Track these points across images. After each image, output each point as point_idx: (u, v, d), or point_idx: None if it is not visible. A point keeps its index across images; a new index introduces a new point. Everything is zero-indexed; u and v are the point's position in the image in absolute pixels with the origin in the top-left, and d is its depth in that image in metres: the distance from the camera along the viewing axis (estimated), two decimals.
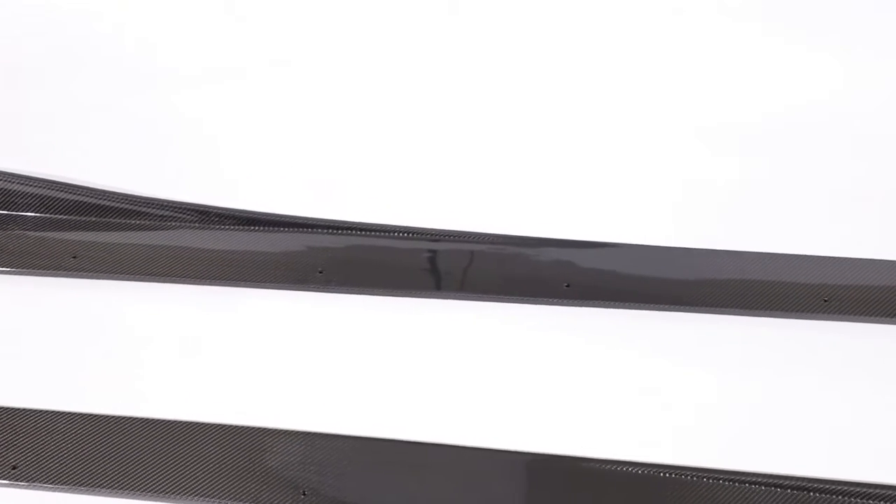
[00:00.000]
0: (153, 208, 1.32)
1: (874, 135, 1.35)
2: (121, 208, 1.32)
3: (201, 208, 1.31)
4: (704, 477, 1.04)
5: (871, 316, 1.17)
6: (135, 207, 1.32)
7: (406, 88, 1.43)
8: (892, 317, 1.16)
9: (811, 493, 1.02)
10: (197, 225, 1.31)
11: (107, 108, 1.44)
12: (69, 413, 1.12)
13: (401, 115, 1.41)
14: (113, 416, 1.11)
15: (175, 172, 1.37)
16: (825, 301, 1.19)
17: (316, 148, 1.39)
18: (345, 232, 1.28)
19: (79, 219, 1.32)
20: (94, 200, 1.32)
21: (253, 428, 1.10)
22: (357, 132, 1.41)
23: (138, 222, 1.31)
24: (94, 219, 1.32)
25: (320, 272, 1.25)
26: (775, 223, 1.28)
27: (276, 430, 1.10)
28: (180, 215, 1.31)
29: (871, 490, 1.01)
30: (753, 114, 1.38)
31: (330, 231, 1.29)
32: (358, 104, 1.43)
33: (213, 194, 1.32)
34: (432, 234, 1.27)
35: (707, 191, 1.31)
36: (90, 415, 1.11)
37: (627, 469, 1.05)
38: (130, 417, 1.11)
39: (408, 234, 1.28)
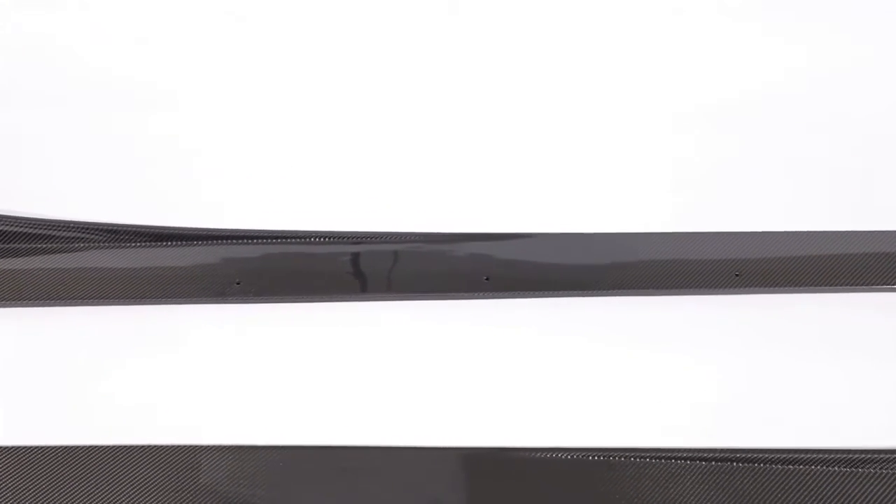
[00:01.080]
0: (58, 230, 1.28)
1: (776, 111, 1.39)
2: (23, 232, 1.28)
3: (109, 227, 1.28)
4: (632, 457, 1.06)
5: (780, 286, 1.20)
6: (38, 231, 1.28)
7: (306, 90, 1.41)
8: (800, 286, 1.20)
9: (735, 464, 1.04)
10: (106, 244, 1.27)
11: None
12: None
13: (311, 118, 1.40)
14: (30, 447, 1.08)
15: (84, 191, 1.33)
16: (737, 275, 1.22)
17: (226, 156, 1.37)
18: (260, 241, 1.27)
19: None
20: None
21: (179, 446, 1.08)
22: (266, 138, 1.39)
23: (43, 246, 1.28)
24: None
25: (237, 283, 1.23)
26: (685, 202, 1.30)
27: (203, 446, 1.08)
28: (87, 236, 1.28)
29: (791, 455, 1.05)
30: (662, 97, 1.41)
31: (244, 241, 1.27)
32: (266, 109, 1.41)
33: (127, 211, 1.29)
34: (348, 237, 1.27)
35: (617, 175, 1.33)
36: (4, 447, 1.08)
37: (556, 455, 1.06)
38: (47, 446, 1.08)
39: (324, 238, 1.27)
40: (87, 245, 1.27)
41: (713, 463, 1.04)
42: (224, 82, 1.42)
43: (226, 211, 1.30)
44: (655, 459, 1.05)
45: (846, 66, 1.40)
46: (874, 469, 1.03)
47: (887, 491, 1.02)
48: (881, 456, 1.04)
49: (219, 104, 1.40)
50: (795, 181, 1.31)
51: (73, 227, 1.28)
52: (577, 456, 1.06)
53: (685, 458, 1.05)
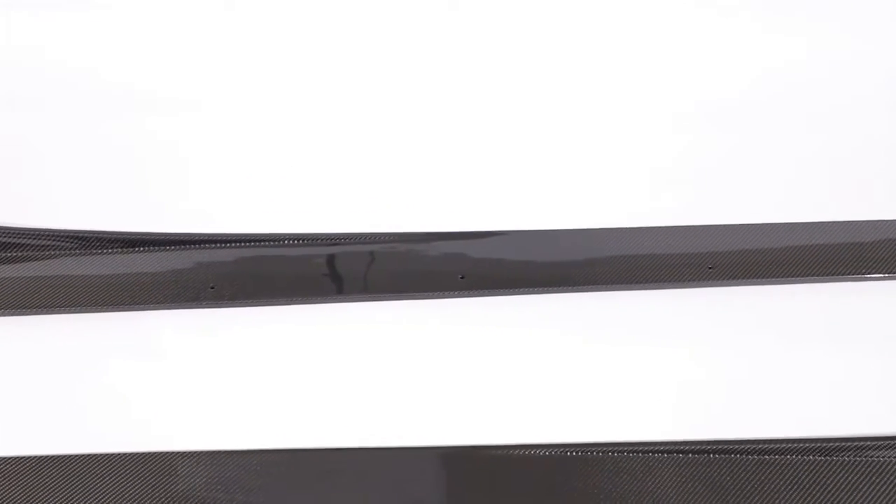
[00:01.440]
0: (29, 238, 1.27)
1: (744, 105, 1.40)
2: None
3: (80, 234, 1.27)
4: (610, 451, 1.06)
5: (753, 278, 1.21)
6: (8, 239, 1.27)
7: (282, 91, 1.41)
8: (773, 277, 1.21)
9: (711, 455, 1.05)
10: (78, 251, 1.26)
11: None
12: None
13: (285, 119, 1.40)
14: (1, 458, 1.07)
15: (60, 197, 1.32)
16: (710, 268, 1.23)
17: (196, 159, 1.37)
18: (233, 245, 1.26)
19: None
20: None
21: (156, 453, 1.07)
22: (240, 140, 1.39)
23: (14, 255, 1.26)
24: None
25: (212, 288, 1.22)
26: (656, 196, 1.31)
27: (180, 452, 1.08)
28: (59, 243, 1.27)
29: (766, 446, 1.06)
30: (647, 94, 1.41)
31: (219, 245, 1.26)
32: (241, 111, 1.41)
33: (102, 217, 1.29)
34: (322, 239, 1.27)
35: (585, 171, 1.34)
36: None
37: (533, 452, 1.06)
38: (21, 457, 1.07)
39: (297, 240, 1.26)
40: (57, 253, 1.26)
41: (690, 455, 1.05)
42: (206, 84, 1.41)
43: (199, 215, 1.29)
44: (632, 453, 1.05)
45: (841, 64, 1.40)
46: (848, 457, 1.04)
47: (861, 478, 1.03)
48: (855, 444, 1.05)
49: (197, 106, 1.40)
50: (784, 177, 1.32)
51: (43, 235, 1.27)
52: (555, 452, 1.06)
53: (662, 452, 1.05)
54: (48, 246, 1.27)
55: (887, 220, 1.27)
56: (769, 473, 1.03)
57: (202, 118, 1.39)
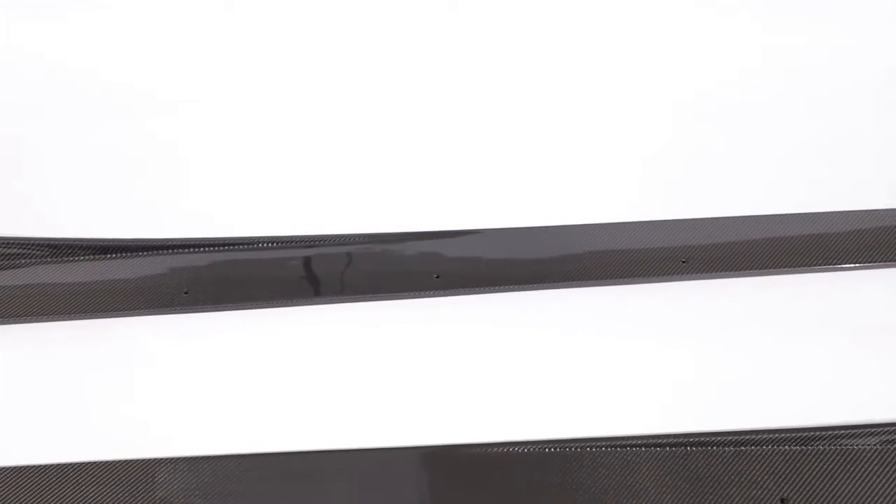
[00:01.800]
0: None
1: (725, 100, 1.41)
2: None
3: (51, 242, 1.26)
4: (588, 446, 1.06)
5: (726, 271, 1.22)
6: None
7: (259, 94, 1.41)
8: (747, 269, 1.22)
9: (688, 448, 1.06)
10: (49, 259, 1.25)
11: None
12: None
13: (259, 119, 1.39)
14: None
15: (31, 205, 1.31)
16: (684, 262, 1.23)
17: (174, 162, 1.36)
18: (207, 249, 1.26)
19: None
20: None
21: (135, 460, 1.07)
22: (216, 143, 1.38)
23: None
24: None
25: (186, 293, 1.22)
26: (630, 191, 1.32)
27: (158, 459, 1.07)
28: (29, 251, 1.26)
29: (743, 437, 1.06)
30: (624, 89, 1.42)
31: (192, 250, 1.26)
32: (225, 114, 1.40)
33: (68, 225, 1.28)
34: (296, 241, 1.26)
35: (558, 168, 1.34)
36: None
37: (512, 449, 1.06)
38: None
39: (271, 243, 1.26)
40: (28, 261, 1.25)
41: (667, 448, 1.06)
42: (194, 84, 1.41)
43: (171, 219, 1.28)
44: (611, 448, 1.06)
45: (840, 64, 1.42)
46: (823, 446, 1.05)
47: (837, 467, 1.04)
48: (829, 433, 1.06)
49: (171, 110, 1.39)
50: (777, 175, 1.33)
51: (13, 244, 1.26)
52: (533, 449, 1.06)
53: (640, 446, 1.06)
54: (18, 255, 1.25)
55: (855, 211, 1.28)
56: (746, 464, 1.04)
57: (180, 122, 1.38)
